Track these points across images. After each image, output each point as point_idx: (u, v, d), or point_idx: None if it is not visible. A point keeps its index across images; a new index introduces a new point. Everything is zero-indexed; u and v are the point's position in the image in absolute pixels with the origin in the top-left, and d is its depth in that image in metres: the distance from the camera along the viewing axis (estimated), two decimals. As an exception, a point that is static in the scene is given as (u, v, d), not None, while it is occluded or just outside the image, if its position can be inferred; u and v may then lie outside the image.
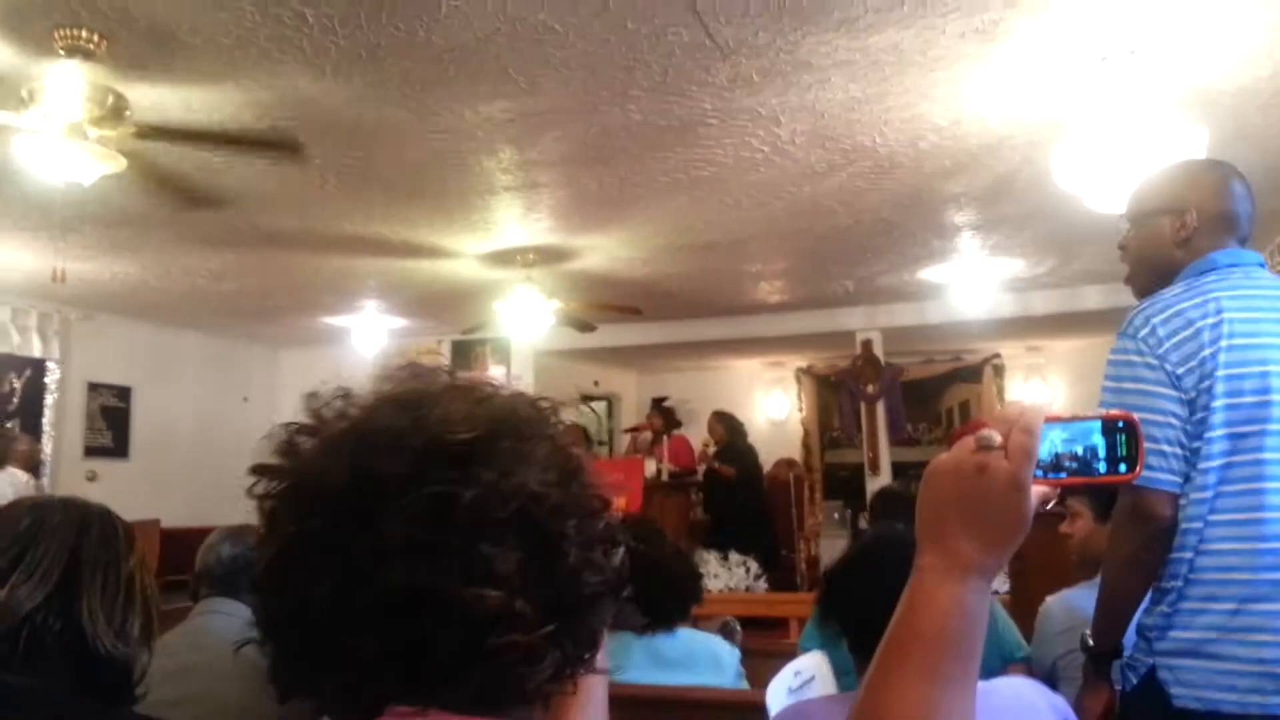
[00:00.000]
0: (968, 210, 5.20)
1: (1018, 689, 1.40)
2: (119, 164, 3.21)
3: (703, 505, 8.14)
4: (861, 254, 6.15)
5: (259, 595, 0.72)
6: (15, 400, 6.92)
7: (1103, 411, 0.81)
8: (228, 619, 1.85)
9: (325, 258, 5.91)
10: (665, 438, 8.33)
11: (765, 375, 10.71)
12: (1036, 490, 0.76)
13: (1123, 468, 0.78)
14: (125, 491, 7.37)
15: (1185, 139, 3.31)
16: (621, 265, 6.26)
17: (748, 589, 5.28)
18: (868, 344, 8.04)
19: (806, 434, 10.18)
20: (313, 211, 4.92)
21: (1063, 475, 0.79)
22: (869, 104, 3.69)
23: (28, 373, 7.00)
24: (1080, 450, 0.79)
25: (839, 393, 9.67)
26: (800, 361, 10.26)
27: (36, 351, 7.02)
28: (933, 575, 0.74)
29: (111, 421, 7.57)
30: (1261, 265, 1.77)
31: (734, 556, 5.62)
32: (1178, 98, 3.56)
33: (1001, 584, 4.66)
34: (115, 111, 3.13)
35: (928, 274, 6.66)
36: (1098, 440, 0.79)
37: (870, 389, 8.09)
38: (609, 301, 6.63)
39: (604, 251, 5.92)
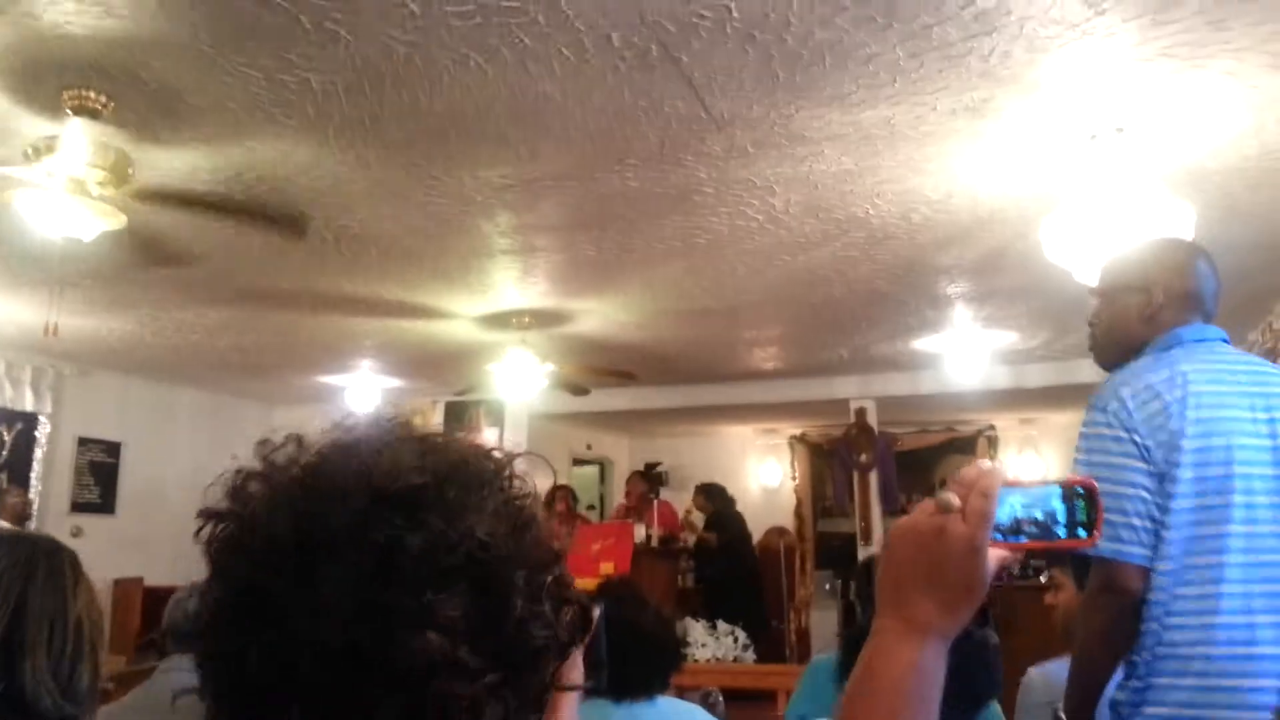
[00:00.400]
0: (960, 282, 5.25)
1: None
2: (120, 221, 3.25)
3: (694, 573, 8.08)
4: (855, 323, 6.19)
5: (197, 647, 0.70)
6: (4, 453, 6.89)
7: (1063, 477, 0.82)
8: (191, 676, 1.82)
9: (322, 317, 5.94)
10: (654, 501, 8.29)
11: (758, 442, 10.69)
12: (995, 553, 0.77)
13: (1081, 532, 0.80)
14: (110, 548, 7.31)
15: (1173, 216, 3.37)
16: (617, 329, 6.29)
17: (735, 659, 5.21)
18: (861, 413, 8.06)
19: (799, 502, 10.14)
20: (310, 271, 4.96)
21: (1023, 539, 0.80)
22: (862, 176, 3.76)
23: (19, 426, 6.98)
24: (1040, 515, 0.80)
25: (832, 461, 9.65)
26: (794, 429, 10.26)
27: (29, 405, 7.01)
28: (891, 636, 0.76)
29: (100, 477, 7.53)
30: (1225, 341, 1.83)
31: (722, 626, 5.56)
32: (1166, 175, 3.63)
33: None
34: (119, 170, 3.17)
35: (921, 344, 6.71)
36: (1057, 505, 0.80)
37: (864, 458, 8.08)
38: (603, 366, 6.66)
39: (599, 315, 5.95)
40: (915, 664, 0.74)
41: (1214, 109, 3.19)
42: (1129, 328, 1.88)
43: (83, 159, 3.02)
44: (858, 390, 7.98)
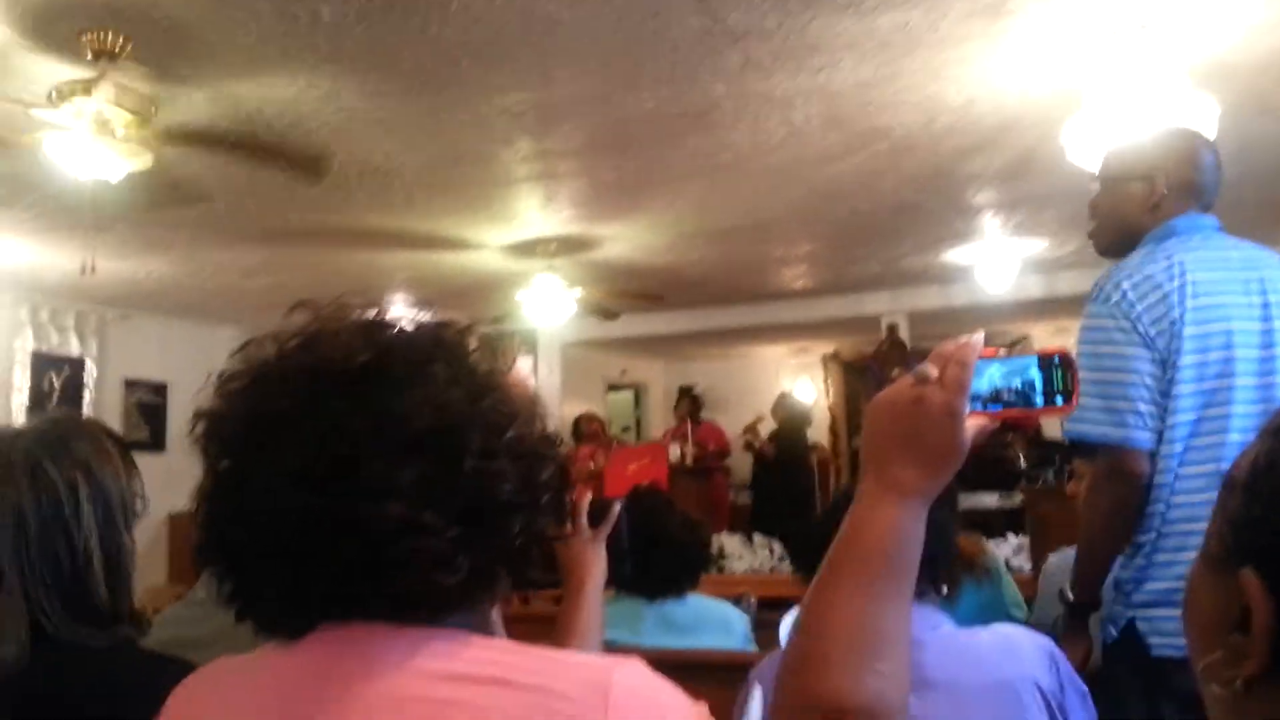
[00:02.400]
0: (988, 190, 5.19)
1: (1004, 630, 1.47)
2: (146, 162, 3.31)
3: (750, 486, 8.24)
4: (883, 236, 6.15)
5: (199, 530, 0.78)
6: (54, 398, 7.10)
7: (1038, 347, 0.85)
8: None
9: (353, 252, 6.01)
10: (692, 424, 8.40)
11: (792, 361, 10.71)
12: (974, 422, 0.80)
13: (1059, 400, 0.83)
14: (162, 485, 7.47)
15: (1198, 112, 3.30)
16: (643, 254, 6.30)
17: (771, 570, 5.32)
18: (893, 329, 8.03)
19: (834, 420, 10.18)
20: (336, 206, 5.01)
21: (1001, 408, 0.83)
22: (880, 85, 3.71)
23: (66, 371, 7.17)
24: (1018, 384, 0.83)
25: (865, 378, 9.65)
26: (826, 347, 10.25)
27: (75, 350, 7.19)
28: (871, 499, 0.80)
29: (148, 417, 7.74)
30: (1219, 229, 1.83)
31: (758, 539, 5.66)
32: (1191, 71, 3.54)
33: (1021, 560, 4.68)
34: (143, 111, 3.22)
35: (952, 255, 6.65)
36: (1035, 375, 0.83)
37: (896, 374, 7.98)
38: (632, 290, 6.69)
39: (625, 240, 5.97)
40: (896, 524, 0.78)
41: (1237, 1, 3.11)
42: (1132, 215, 1.89)
43: (106, 100, 3.08)
44: (889, 305, 7.95)
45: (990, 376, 0.83)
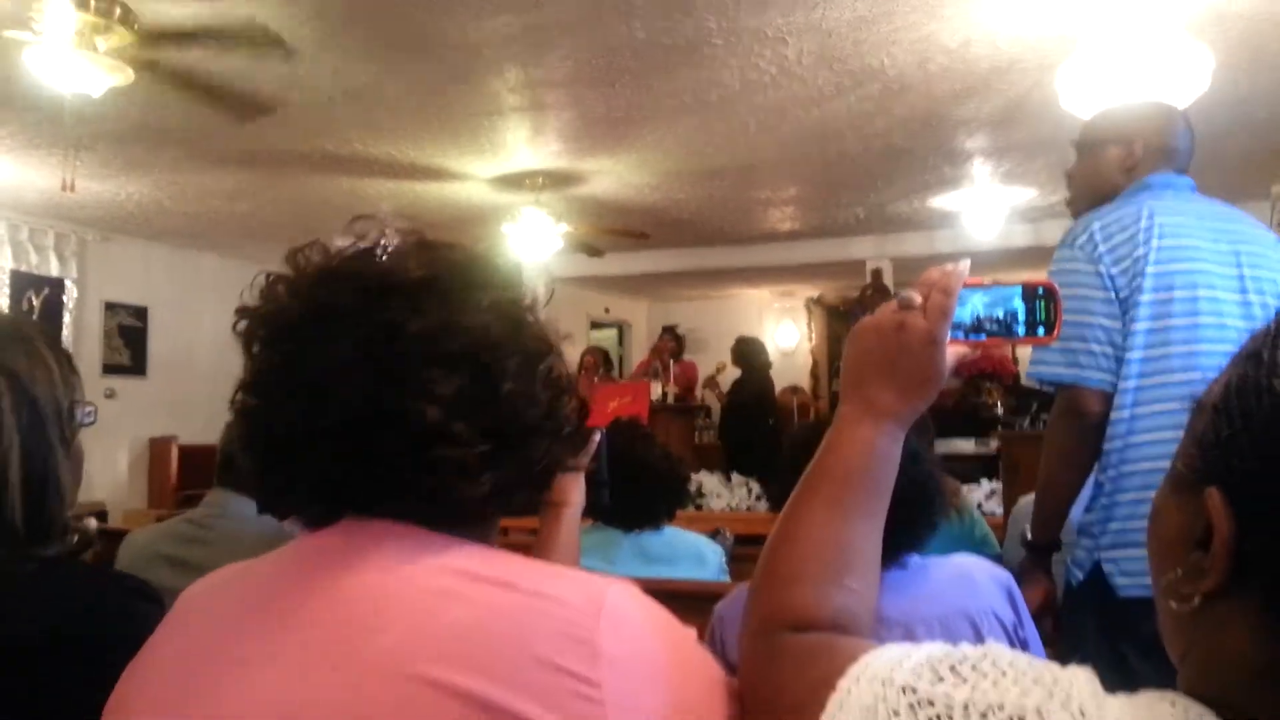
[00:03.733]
0: (979, 136, 5.16)
1: (961, 561, 1.47)
2: (127, 76, 3.25)
3: (718, 431, 8.28)
4: (872, 180, 6.13)
5: (237, 416, 0.80)
6: (33, 317, 7.03)
7: (1024, 278, 0.86)
8: (240, 503, 1.93)
9: (338, 179, 5.94)
10: (674, 362, 8.43)
11: (775, 305, 10.73)
12: (955, 350, 0.81)
13: (1041, 330, 0.83)
14: (143, 409, 7.55)
15: (1192, 61, 3.29)
16: (631, 191, 6.26)
17: (749, 509, 5.39)
18: (878, 273, 8.04)
19: (815, 364, 10.24)
20: (321, 130, 4.94)
21: (982, 337, 0.84)
22: (876, 23, 3.67)
23: (46, 291, 7.10)
24: (1001, 314, 0.84)
25: (848, 323, 9.69)
26: (811, 291, 10.27)
27: (54, 270, 7.11)
28: (849, 420, 0.81)
29: (129, 340, 7.69)
30: (1193, 189, 1.86)
31: (736, 477, 5.72)
32: (1188, 21, 3.52)
33: (994, 504, 4.75)
34: (124, 22, 3.15)
35: (939, 202, 6.64)
36: (1018, 305, 0.84)
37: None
38: (618, 227, 6.65)
39: (613, 176, 5.92)
40: (871, 445, 0.80)
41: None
42: (1108, 177, 1.92)
43: (86, 11, 3.01)
44: (874, 250, 7.95)
45: (974, 305, 0.84)
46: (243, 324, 0.81)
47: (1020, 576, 1.89)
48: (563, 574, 0.75)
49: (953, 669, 0.59)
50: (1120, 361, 1.70)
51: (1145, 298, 1.70)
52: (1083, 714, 0.54)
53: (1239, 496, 0.53)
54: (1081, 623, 1.75)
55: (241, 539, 1.77)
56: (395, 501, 0.76)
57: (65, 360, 1.13)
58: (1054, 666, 0.59)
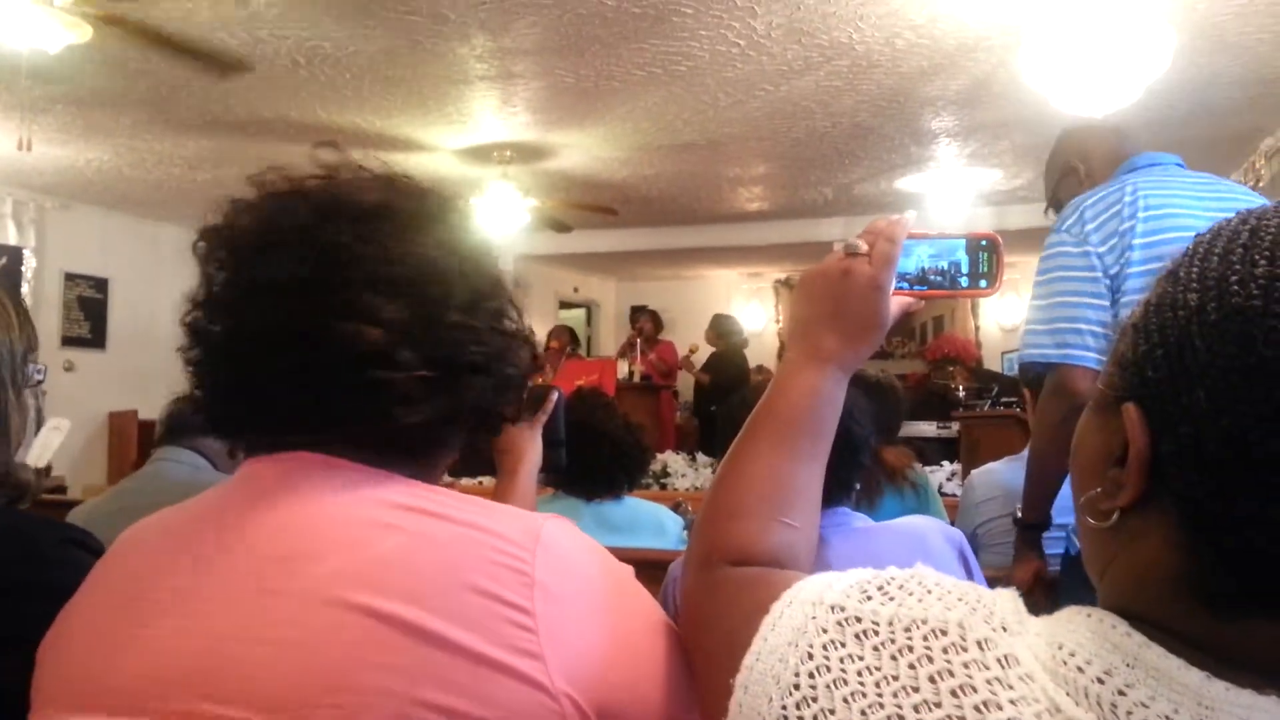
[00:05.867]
0: (945, 115, 5.19)
1: (913, 522, 1.48)
2: (85, 34, 3.19)
3: (693, 408, 8.33)
4: (839, 159, 6.15)
5: (186, 330, 0.80)
6: (-10, 286, 6.90)
7: (967, 230, 0.87)
8: (179, 466, 1.93)
9: (301, 148, 5.82)
10: (647, 344, 8.44)
11: (743, 286, 10.76)
12: (900, 300, 0.83)
13: (983, 283, 0.85)
14: (103, 382, 7.44)
15: (1155, 42, 3.32)
16: (600, 166, 6.24)
17: (713, 486, 5.40)
18: (845, 255, 8.06)
19: (782, 345, 10.27)
20: (285, 97, 4.88)
21: (926, 288, 0.85)
22: (844, -3, 3.67)
23: (3, 260, 6.97)
24: (945, 265, 0.85)
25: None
26: (779, 273, 10.31)
27: (12, 239, 6.98)
28: (795, 364, 0.83)
29: (89, 312, 7.57)
30: (1180, 165, 1.88)
31: (701, 458, 5.74)
32: (1152, 1, 3.56)
33: (954, 486, 4.80)
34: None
35: (905, 183, 6.67)
36: (962, 257, 0.85)
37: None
38: (586, 202, 6.63)
39: (581, 150, 5.89)
40: (815, 387, 0.81)
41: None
42: (1078, 192, 1.95)
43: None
44: (841, 232, 7.97)
45: (919, 256, 0.85)
46: (201, 245, 0.82)
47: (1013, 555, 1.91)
48: (499, 509, 0.76)
49: (880, 589, 0.61)
50: (1109, 340, 1.73)
51: (1135, 270, 1.71)
52: (1004, 628, 0.55)
53: (1153, 409, 0.54)
54: (1077, 590, 1.77)
55: (191, 488, 1.77)
56: (336, 427, 0.76)
57: (23, 312, 1.12)
58: (979, 587, 0.61)
